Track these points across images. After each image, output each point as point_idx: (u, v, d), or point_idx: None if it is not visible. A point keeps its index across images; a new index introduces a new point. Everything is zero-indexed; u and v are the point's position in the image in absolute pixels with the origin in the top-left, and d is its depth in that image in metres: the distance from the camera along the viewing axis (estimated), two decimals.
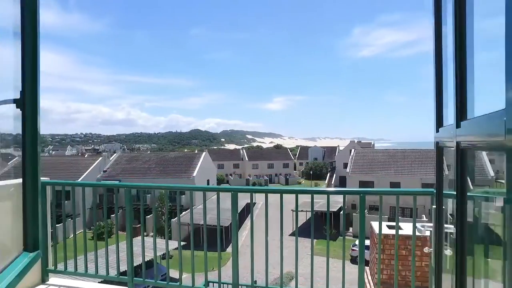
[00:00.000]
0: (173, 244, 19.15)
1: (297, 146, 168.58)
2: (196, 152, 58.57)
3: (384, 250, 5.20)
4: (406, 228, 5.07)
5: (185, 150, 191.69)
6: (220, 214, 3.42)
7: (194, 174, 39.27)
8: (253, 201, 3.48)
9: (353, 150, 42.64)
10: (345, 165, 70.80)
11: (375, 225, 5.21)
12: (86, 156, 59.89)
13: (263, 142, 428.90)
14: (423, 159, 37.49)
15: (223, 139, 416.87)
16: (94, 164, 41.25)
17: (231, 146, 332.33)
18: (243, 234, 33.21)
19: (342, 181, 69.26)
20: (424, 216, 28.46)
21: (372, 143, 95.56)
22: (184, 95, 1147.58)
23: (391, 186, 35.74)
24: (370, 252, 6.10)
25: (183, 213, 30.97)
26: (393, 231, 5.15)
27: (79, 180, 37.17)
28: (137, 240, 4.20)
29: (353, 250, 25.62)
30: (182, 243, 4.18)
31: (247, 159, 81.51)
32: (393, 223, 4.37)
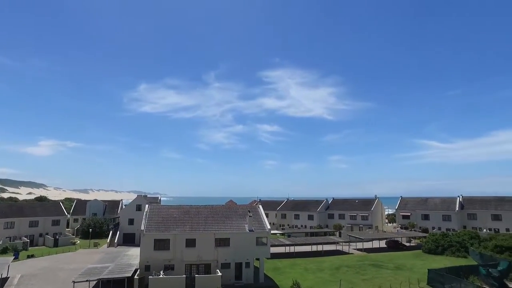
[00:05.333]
0: None
1: (68, 199, 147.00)
2: None
3: None
4: None
5: None
6: None
7: None
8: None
9: (147, 206, 40.62)
10: (131, 221, 66.48)
11: None
12: None
13: (18, 193, 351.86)
14: (214, 215, 40.04)
15: None
16: None
17: None
18: None
19: (127, 239, 63.93)
20: None
21: (159, 198, 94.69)
22: None
23: (186, 244, 35.79)
24: None
25: None
26: None
27: None
28: None
29: None
30: None
31: None
32: None
